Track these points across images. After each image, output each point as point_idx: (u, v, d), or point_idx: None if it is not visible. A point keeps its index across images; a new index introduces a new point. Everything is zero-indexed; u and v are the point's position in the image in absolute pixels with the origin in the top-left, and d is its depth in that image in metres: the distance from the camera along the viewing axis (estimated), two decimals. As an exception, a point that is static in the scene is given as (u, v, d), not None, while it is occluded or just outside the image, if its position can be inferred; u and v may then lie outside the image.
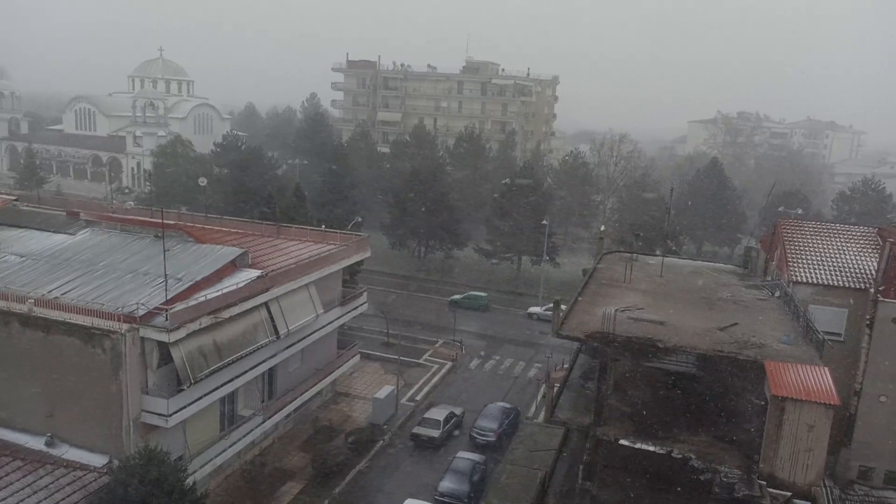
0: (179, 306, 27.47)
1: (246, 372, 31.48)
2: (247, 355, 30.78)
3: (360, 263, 46.53)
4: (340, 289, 41.14)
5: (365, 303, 43.27)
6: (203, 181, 52.62)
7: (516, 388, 46.80)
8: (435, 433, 37.70)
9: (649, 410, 24.92)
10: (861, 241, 31.55)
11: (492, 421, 38.48)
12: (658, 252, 43.09)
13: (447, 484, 32.12)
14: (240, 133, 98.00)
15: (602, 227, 64.72)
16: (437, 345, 52.93)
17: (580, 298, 27.95)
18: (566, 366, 36.65)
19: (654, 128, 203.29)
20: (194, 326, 27.54)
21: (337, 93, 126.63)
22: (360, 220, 56.17)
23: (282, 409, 35.47)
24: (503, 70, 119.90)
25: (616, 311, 24.86)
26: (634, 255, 37.26)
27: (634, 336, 23.48)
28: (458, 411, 40.36)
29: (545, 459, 31.11)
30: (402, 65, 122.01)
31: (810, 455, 19.83)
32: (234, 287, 30.42)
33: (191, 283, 29.88)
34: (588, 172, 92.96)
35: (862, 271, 28.69)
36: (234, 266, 32.67)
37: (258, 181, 76.28)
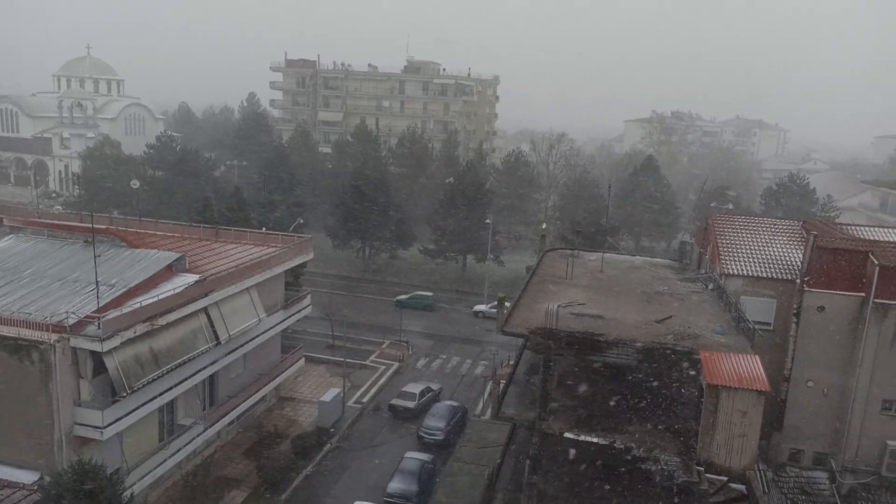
0: (112, 314, 26.45)
1: (185, 380, 30.56)
2: (186, 362, 29.88)
3: (303, 265, 45.84)
4: (283, 292, 40.45)
5: (309, 305, 42.70)
6: (135, 184, 50.77)
7: (463, 386, 47.05)
8: (411, 404, 41.18)
9: (592, 403, 25.49)
10: (787, 235, 33.11)
11: (439, 420, 38.57)
12: (622, 246, 44.04)
13: (396, 485, 32.00)
14: (174, 134, 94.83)
15: (544, 225, 65.83)
16: (383, 346, 52.67)
17: (524, 295, 28.34)
18: (512, 362, 37.11)
19: (592, 126, 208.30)
20: (129, 334, 26.56)
21: (276, 92, 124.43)
22: (302, 221, 55.38)
23: (224, 417, 34.62)
24: (444, 70, 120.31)
25: (558, 307, 25.30)
26: (575, 251, 38.04)
27: (577, 331, 23.99)
28: (434, 387, 43.76)
29: (493, 455, 31.47)
30: (342, 64, 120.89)
31: (744, 440, 20.67)
32: (171, 293, 29.50)
33: (124, 289, 28.80)
34: (529, 171, 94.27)
35: (789, 263, 30.10)
36: (170, 271, 31.68)
37: (195, 183, 74.19)
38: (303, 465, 34.98)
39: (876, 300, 26.16)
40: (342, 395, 40.91)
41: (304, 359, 43.57)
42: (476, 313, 62.20)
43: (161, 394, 29.01)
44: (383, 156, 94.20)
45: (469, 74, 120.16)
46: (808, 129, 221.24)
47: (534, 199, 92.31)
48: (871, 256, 26.62)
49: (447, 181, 77.57)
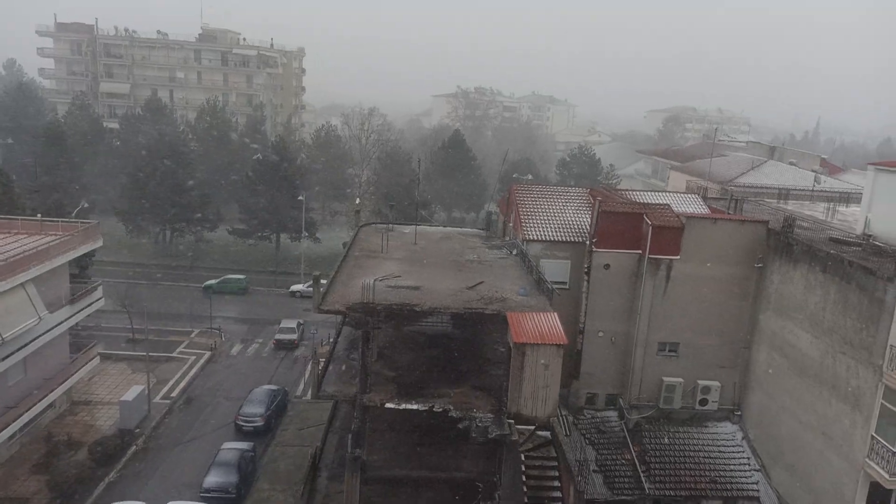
0: None
1: (-54, 395, 26.19)
2: (-55, 375, 25.58)
3: (91, 254, 41.36)
4: (68, 285, 36.12)
5: (101, 298, 38.64)
6: None
7: (283, 368, 45.87)
8: (293, 336, 49.05)
9: (412, 372, 26.14)
10: (578, 201, 36.25)
11: (258, 406, 37.24)
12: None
13: (213, 478, 30.42)
14: (-87, 106, 79.58)
15: (358, 200, 65.62)
16: (192, 335, 49.49)
17: (340, 272, 28.05)
18: (332, 340, 36.76)
19: (401, 101, 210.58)
20: None
21: (46, 60, 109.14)
22: (86, 205, 49.57)
23: (3, 431, 30.27)
24: (244, 39, 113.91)
25: (375, 280, 25.41)
26: (390, 225, 38.42)
27: (394, 303, 24.28)
28: (301, 321, 51.04)
29: (316, 435, 31.11)
30: (126, 30, 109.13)
31: (547, 391, 22.53)
32: (-81, 295, 24.92)
33: None
34: (342, 146, 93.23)
35: (579, 227, 33.04)
36: (-85, 269, 26.72)
37: (-56, 165, 62.99)
38: (104, 472, 31.88)
39: (650, 256, 29.71)
40: (147, 391, 37.78)
41: (98, 357, 39.49)
42: (293, 293, 60.75)
43: (-87, 415, 24.58)
44: (181, 131, 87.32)
45: (272, 46, 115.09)
46: (591, 104, 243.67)
47: (347, 175, 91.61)
48: (646, 218, 30.13)
49: (255, 157, 74.05)
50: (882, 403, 22.67)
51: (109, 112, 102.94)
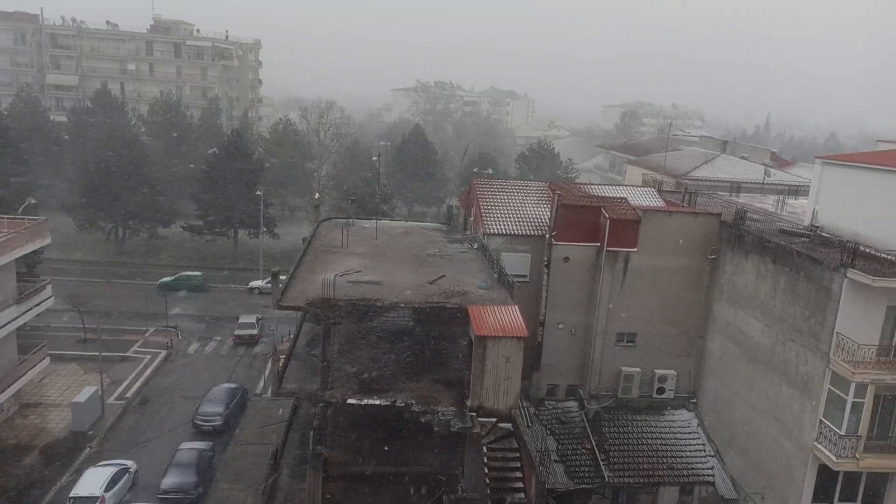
0: None
1: None
2: None
3: (39, 252, 39.94)
4: (14, 284, 34.88)
5: (50, 297, 37.47)
6: None
7: (242, 366, 45.18)
8: (253, 332, 48.71)
9: (373, 367, 26.02)
10: (537, 195, 36.57)
11: (217, 405, 36.61)
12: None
13: (171, 479, 29.83)
14: None
15: (317, 195, 64.92)
16: (147, 333, 48.30)
17: (300, 267, 27.75)
18: (292, 337, 36.33)
19: (360, 95, 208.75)
20: None
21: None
22: (33, 201, 47.61)
23: (-54, 438, 29.14)
24: (198, 31, 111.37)
25: (335, 276, 25.19)
26: (350, 220, 38.13)
27: (354, 298, 24.12)
28: (260, 316, 50.74)
29: (277, 433, 30.72)
30: (73, 19, 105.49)
31: (509, 383, 22.73)
32: None
33: None
34: (300, 140, 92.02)
35: (539, 220, 33.34)
36: None
37: None
38: (56, 476, 30.91)
39: (608, 248, 30.18)
40: (100, 392, 36.77)
41: (48, 358, 38.26)
42: (252, 290, 59.86)
43: None
44: (132, 125, 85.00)
45: (227, 38, 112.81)
46: (550, 99, 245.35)
47: (306, 169, 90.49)
48: (604, 211, 30.57)
49: (210, 151, 72.52)
50: (829, 388, 23.55)
51: (57, 105, 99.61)
